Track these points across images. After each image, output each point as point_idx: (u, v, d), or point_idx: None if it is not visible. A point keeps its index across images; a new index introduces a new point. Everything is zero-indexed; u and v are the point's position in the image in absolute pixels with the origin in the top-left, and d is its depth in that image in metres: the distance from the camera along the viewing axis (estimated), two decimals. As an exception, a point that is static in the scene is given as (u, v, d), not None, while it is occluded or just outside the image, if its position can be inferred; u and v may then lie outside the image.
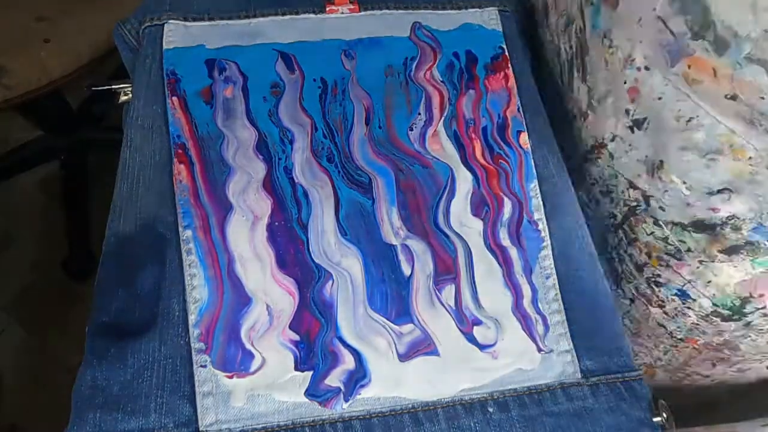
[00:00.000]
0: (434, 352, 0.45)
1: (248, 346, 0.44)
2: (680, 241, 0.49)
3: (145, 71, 0.55)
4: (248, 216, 0.49)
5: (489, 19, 0.62)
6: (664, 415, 0.42)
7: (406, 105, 0.56)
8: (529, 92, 0.57)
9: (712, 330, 0.53)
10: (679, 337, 0.58)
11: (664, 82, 0.43)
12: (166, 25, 0.57)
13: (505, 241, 0.50)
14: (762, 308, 0.46)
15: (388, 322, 0.46)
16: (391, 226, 0.50)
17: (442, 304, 0.47)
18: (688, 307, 0.53)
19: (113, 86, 0.56)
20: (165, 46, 0.56)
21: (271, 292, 0.46)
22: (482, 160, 0.54)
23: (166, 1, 0.58)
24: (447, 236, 0.50)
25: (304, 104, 0.55)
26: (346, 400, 0.43)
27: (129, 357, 0.42)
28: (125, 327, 0.44)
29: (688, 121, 0.43)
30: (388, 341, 0.45)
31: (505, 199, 0.52)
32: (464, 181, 0.52)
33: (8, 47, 0.82)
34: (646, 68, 0.44)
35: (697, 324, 0.54)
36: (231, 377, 0.43)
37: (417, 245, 0.49)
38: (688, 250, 0.48)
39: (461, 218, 0.51)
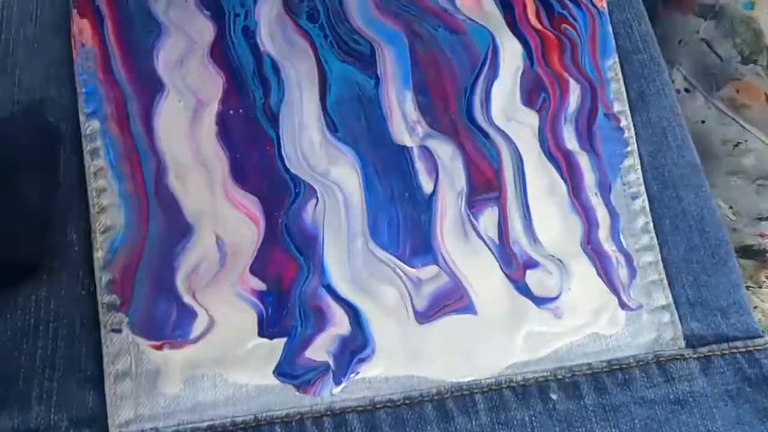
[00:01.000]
0: (468, 309, 0.31)
1: (187, 299, 0.29)
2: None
3: None
4: (188, 100, 0.32)
5: None
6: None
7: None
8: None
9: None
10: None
11: (707, 106, 0.44)
12: None
13: (572, 143, 0.34)
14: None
15: (399, 263, 0.31)
16: (403, 118, 0.33)
17: (480, 237, 0.32)
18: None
19: None
20: None
21: (223, 218, 0.31)
22: (537, 24, 0.36)
23: None
24: (487, 136, 0.34)
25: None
26: (338, 382, 0.29)
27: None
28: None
29: (735, 146, 0.43)
30: (400, 292, 0.30)
31: (572, 82, 0.35)
32: (511, 56, 0.35)
33: None
34: (686, 90, 0.45)
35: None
36: (160, 347, 0.28)
37: (442, 148, 0.33)
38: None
39: (507, 109, 0.34)
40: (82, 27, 0.33)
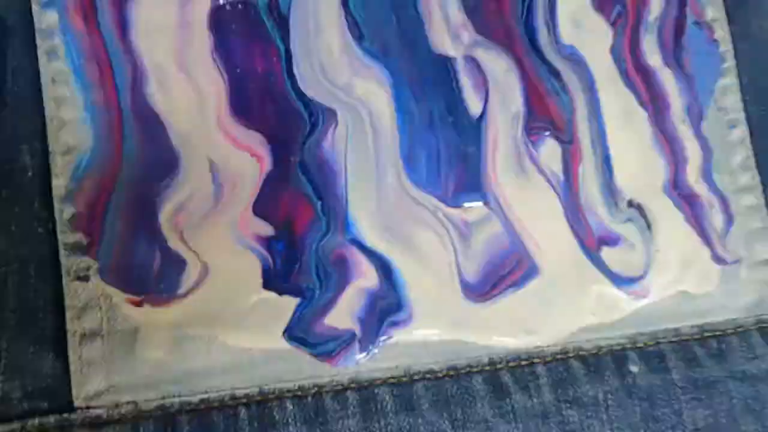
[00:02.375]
0: (530, 276, 0.25)
1: (173, 242, 0.23)
2: None
3: None
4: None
5: None
6: None
7: None
8: None
9: None
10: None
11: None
12: None
13: (655, 59, 0.28)
14: None
15: (441, 204, 0.25)
16: (445, 21, 0.27)
17: (542, 172, 0.26)
18: None
19: None
20: None
21: (219, 143, 0.24)
22: None
23: None
24: (554, 68, 0.27)
25: None
26: (365, 350, 0.23)
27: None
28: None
29: None
30: (441, 239, 0.24)
31: (653, -19, 0.28)
32: None
33: None
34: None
35: None
36: (140, 303, 0.23)
37: (494, 60, 0.27)
38: None
39: (577, 19, 0.28)
40: None
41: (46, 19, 0.25)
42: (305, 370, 0.23)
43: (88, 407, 0.22)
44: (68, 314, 0.22)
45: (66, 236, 0.23)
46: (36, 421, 0.22)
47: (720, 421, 0.24)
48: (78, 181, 0.23)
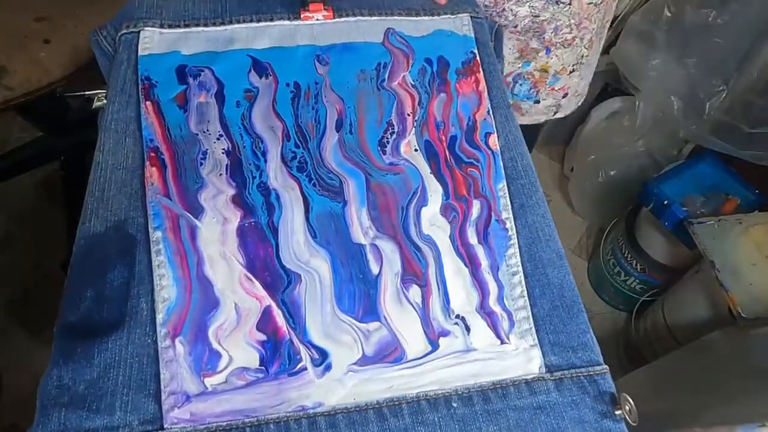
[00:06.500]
0: (400, 359, 0.46)
1: (215, 345, 0.45)
2: None
3: (119, 76, 0.56)
4: (219, 218, 0.50)
5: (461, 25, 0.63)
6: (627, 407, 0.43)
7: (378, 109, 0.57)
8: (499, 95, 0.58)
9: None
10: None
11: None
12: (142, 32, 0.58)
13: (473, 239, 0.51)
14: None
15: (355, 321, 0.47)
16: (360, 226, 0.51)
17: (410, 302, 0.48)
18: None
19: (86, 92, 0.57)
20: (140, 53, 0.57)
21: (240, 295, 0.47)
22: (452, 171, 0.54)
23: (143, 8, 0.59)
24: (418, 247, 0.50)
25: (277, 108, 0.56)
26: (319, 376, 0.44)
27: (95, 356, 0.43)
28: (93, 326, 0.44)
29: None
30: (354, 338, 0.46)
31: (474, 202, 0.53)
32: (435, 193, 0.53)
33: (8, 48, 0.82)
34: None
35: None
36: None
37: (386, 245, 0.50)
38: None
39: (431, 221, 0.51)
40: (152, 172, 0.51)
41: (155, 235, 0.49)
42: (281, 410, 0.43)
43: (170, 428, 0.42)
44: (162, 383, 0.43)
45: (162, 343, 0.44)
46: None
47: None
48: (168, 315, 0.45)
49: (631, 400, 0.43)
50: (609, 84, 1.45)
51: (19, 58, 0.82)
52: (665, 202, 1.10)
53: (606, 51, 1.29)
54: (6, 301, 1.12)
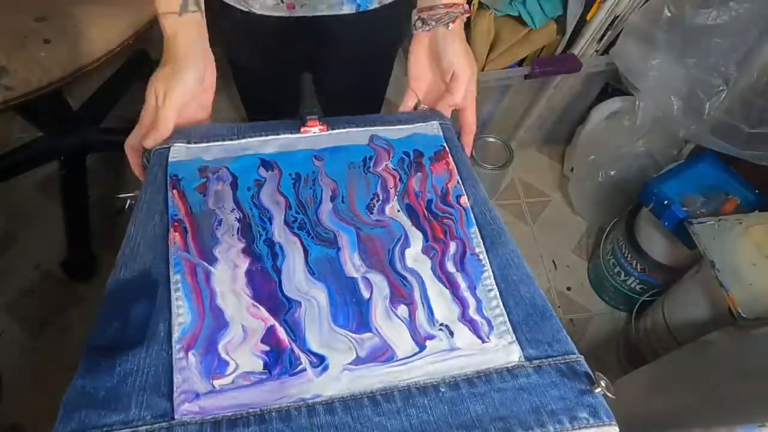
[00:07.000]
0: (391, 359, 0.50)
1: (224, 355, 0.50)
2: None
3: (152, 175, 0.68)
4: (230, 265, 0.58)
5: (432, 129, 0.77)
6: (603, 384, 0.46)
7: (366, 186, 0.68)
8: (466, 171, 0.70)
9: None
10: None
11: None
12: (172, 147, 0.72)
13: (452, 269, 0.58)
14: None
15: (349, 333, 0.52)
16: (353, 264, 0.58)
17: (398, 317, 0.53)
18: None
19: (120, 195, 0.69)
20: (170, 160, 0.70)
21: (247, 318, 0.53)
22: (430, 223, 0.64)
23: (174, 135, 0.74)
24: (403, 277, 0.58)
25: (281, 189, 0.67)
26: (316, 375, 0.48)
27: (116, 367, 0.48)
28: (116, 346, 0.50)
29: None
30: (349, 346, 0.51)
31: (450, 243, 0.61)
32: (416, 239, 0.62)
33: (8, 48, 0.81)
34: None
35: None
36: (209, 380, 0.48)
37: (375, 277, 0.57)
38: None
39: (414, 258, 0.59)
40: (175, 235, 0.60)
41: (174, 277, 0.56)
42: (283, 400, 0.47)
43: (180, 419, 0.45)
44: (175, 385, 0.47)
45: (176, 355, 0.49)
46: None
47: (488, 410, 0.45)
48: (183, 334, 0.51)
49: (605, 377, 0.46)
50: (609, 84, 1.46)
51: (19, 58, 0.80)
52: (665, 202, 1.09)
53: (606, 51, 1.31)
54: (6, 301, 1.09)
